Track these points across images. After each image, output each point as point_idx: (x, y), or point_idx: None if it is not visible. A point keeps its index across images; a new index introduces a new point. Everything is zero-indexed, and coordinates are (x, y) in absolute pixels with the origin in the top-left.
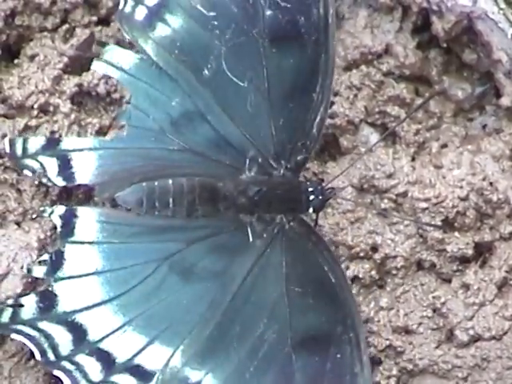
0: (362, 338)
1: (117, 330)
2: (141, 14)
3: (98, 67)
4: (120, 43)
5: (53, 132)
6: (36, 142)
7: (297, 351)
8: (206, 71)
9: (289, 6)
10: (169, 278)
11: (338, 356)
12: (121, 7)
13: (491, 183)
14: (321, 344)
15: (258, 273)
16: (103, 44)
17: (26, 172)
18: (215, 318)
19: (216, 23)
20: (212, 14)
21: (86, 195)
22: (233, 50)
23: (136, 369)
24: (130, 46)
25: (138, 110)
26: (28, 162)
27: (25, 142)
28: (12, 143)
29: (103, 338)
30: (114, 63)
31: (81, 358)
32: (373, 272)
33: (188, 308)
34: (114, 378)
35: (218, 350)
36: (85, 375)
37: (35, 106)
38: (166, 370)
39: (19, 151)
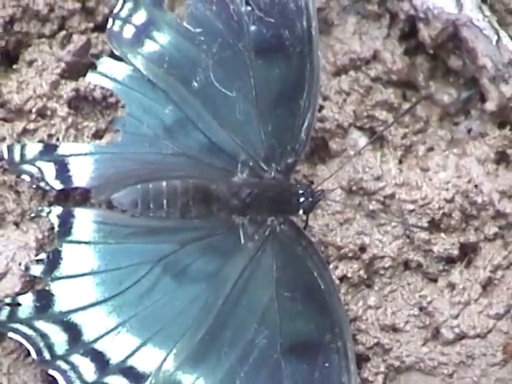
0: (349, 347)
1: (111, 330)
2: (129, 32)
3: (92, 78)
4: None
5: (50, 135)
6: (33, 148)
7: (286, 358)
8: (195, 83)
9: (272, 20)
10: (162, 280)
11: (326, 365)
12: (109, 26)
13: (476, 186)
14: (309, 352)
15: (249, 276)
16: (97, 56)
17: (24, 177)
18: (207, 321)
19: (202, 38)
20: (198, 30)
21: (83, 197)
22: (220, 63)
23: (129, 370)
24: None
25: (132, 118)
26: (26, 167)
27: (22, 148)
28: (10, 150)
29: (98, 339)
30: (108, 74)
31: (75, 358)
32: (361, 272)
33: (181, 310)
34: (108, 379)
35: (209, 354)
36: (79, 375)
37: (33, 110)
38: (158, 373)
39: (17, 157)
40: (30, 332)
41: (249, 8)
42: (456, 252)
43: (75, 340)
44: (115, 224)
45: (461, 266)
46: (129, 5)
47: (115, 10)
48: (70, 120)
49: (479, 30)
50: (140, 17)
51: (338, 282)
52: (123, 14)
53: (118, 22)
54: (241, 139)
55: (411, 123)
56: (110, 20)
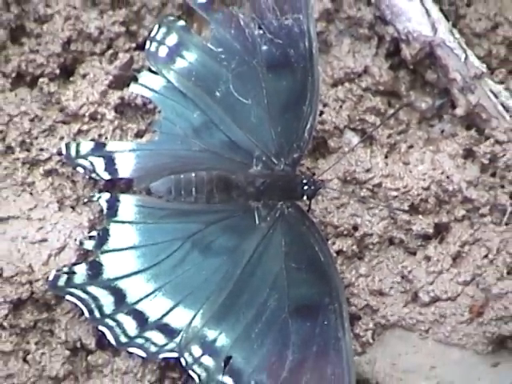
0: (344, 308)
1: (149, 294)
2: (163, 51)
3: (134, 89)
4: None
5: (100, 135)
6: (86, 146)
7: (292, 317)
8: (217, 92)
9: (280, 41)
10: (191, 253)
11: (325, 323)
12: (147, 47)
13: (448, 176)
14: (312, 312)
15: (262, 250)
16: (138, 70)
17: (79, 169)
18: (228, 287)
19: (223, 56)
20: (220, 49)
21: (127, 185)
22: (237, 76)
23: (164, 327)
24: None
25: (166, 121)
26: (80, 161)
27: (77, 145)
28: (67, 147)
29: (138, 301)
30: (147, 85)
31: (120, 317)
32: (354, 247)
33: (206, 278)
34: (147, 333)
35: (229, 314)
36: (123, 331)
37: (86, 115)
38: (188, 329)
39: (73, 153)
40: (83, 295)
41: (261, 31)
42: (431, 230)
43: (120, 302)
44: (153, 207)
45: (435, 242)
46: (163, 30)
47: (152, 34)
48: (116, 122)
49: (450, 49)
50: (172, 39)
51: (335, 254)
52: (158, 37)
53: (154, 44)
54: (255, 138)
55: (395, 125)
56: (148, 42)
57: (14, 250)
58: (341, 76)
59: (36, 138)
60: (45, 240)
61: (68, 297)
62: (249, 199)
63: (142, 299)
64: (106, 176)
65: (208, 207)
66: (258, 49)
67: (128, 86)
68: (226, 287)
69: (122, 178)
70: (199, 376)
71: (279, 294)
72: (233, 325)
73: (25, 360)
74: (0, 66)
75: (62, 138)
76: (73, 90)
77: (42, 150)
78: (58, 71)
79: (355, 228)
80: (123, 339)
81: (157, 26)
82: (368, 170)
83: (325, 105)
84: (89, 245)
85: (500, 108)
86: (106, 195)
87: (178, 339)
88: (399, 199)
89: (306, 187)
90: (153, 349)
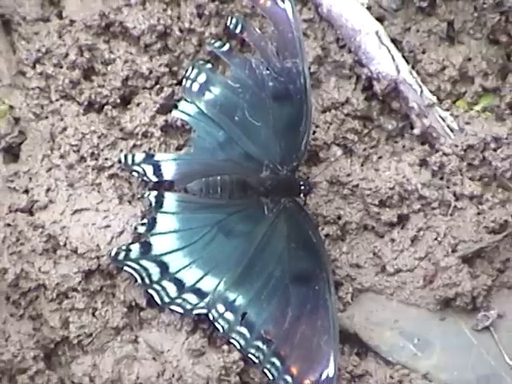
0: (330, 277)
1: (186, 266)
2: (195, 87)
3: (175, 114)
4: None
5: (150, 148)
6: (140, 156)
7: (292, 284)
8: (236, 117)
9: (282, 79)
10: (217, 236)
11: (316, 288)
12: (183, 84)
13: (408, 179)
14: (306, 280)
15: (270, 234)
16: (178, 100)
17: (134, 174)
18: (244, 261)
19: (240, 90)
20: (237, 85)
21: (170, 186)
22: (251, 105)
23: (197, 290)
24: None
25: (199, 138)
26: (135, 168)
27: (133, 156)
28: (125, 157)
29: (178, 271)
30: (185, 111)
31: (164, 283)
32: (338, 231)
33: (228, 255)
34: (184, 295)
35: (245, 281)
36: (166, 293)
37: (139, 133)
38: (214, 292)
39: (130, 162)
40: (137, 267)
41: (268, 72)
42: (395, 219)
43: (164, 272)
44: (189, 202)
45: (398, 228)
46: (195, 71)
47: (187, 74)
48: (162, 139)
49: (410, 85)
50: (202, 78)
51: (323, 237)
52: (192, 76)
53: (189, 81)
54: (264, 151)
55: (368, 141)
56: (184, 80)
57: (86, 233)
58: (328, 105)
59: (102, 150)
60: (108, 226)
61: (126, 268)
62: (260, 196)
63: (180, 270)
64: (154, 179)
65: (230, 202)
66: (266, 84)
67: (171, 112)
68: (242, 261)
69: (166, 180)
70: (223, 327)
71: (282, 267)
72: (248, 289)
73: (93, 315)
74: (75, 96)
75: (121, 151)
76: (129, 114)
77: (106, 159)
78: (118, 101)
79: (339, 218)
80: (166, 299)
81: (190, 68)
82: (348, 175)
83: (316, 126)
84: (141, 229)
85: (446, 129)
86: (154, 192)
87: (207, 300)
88: (371, 196)
89: (302, 187)
90: (188, 307)
